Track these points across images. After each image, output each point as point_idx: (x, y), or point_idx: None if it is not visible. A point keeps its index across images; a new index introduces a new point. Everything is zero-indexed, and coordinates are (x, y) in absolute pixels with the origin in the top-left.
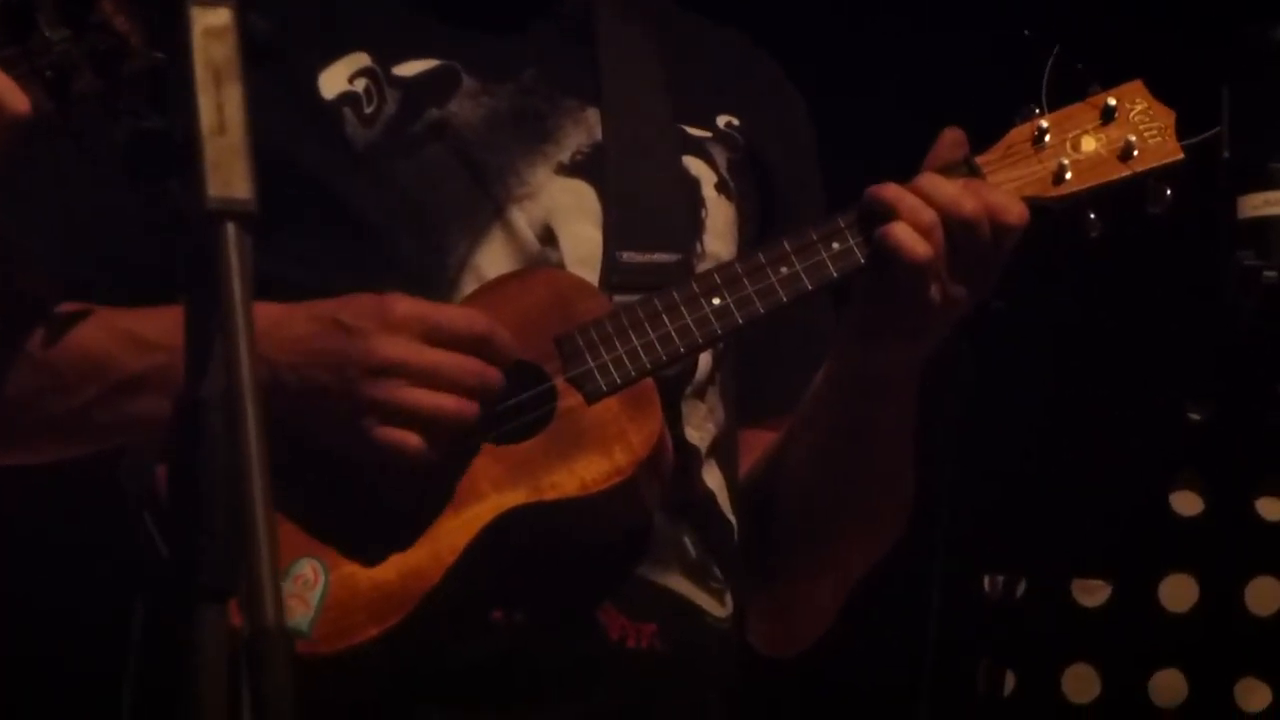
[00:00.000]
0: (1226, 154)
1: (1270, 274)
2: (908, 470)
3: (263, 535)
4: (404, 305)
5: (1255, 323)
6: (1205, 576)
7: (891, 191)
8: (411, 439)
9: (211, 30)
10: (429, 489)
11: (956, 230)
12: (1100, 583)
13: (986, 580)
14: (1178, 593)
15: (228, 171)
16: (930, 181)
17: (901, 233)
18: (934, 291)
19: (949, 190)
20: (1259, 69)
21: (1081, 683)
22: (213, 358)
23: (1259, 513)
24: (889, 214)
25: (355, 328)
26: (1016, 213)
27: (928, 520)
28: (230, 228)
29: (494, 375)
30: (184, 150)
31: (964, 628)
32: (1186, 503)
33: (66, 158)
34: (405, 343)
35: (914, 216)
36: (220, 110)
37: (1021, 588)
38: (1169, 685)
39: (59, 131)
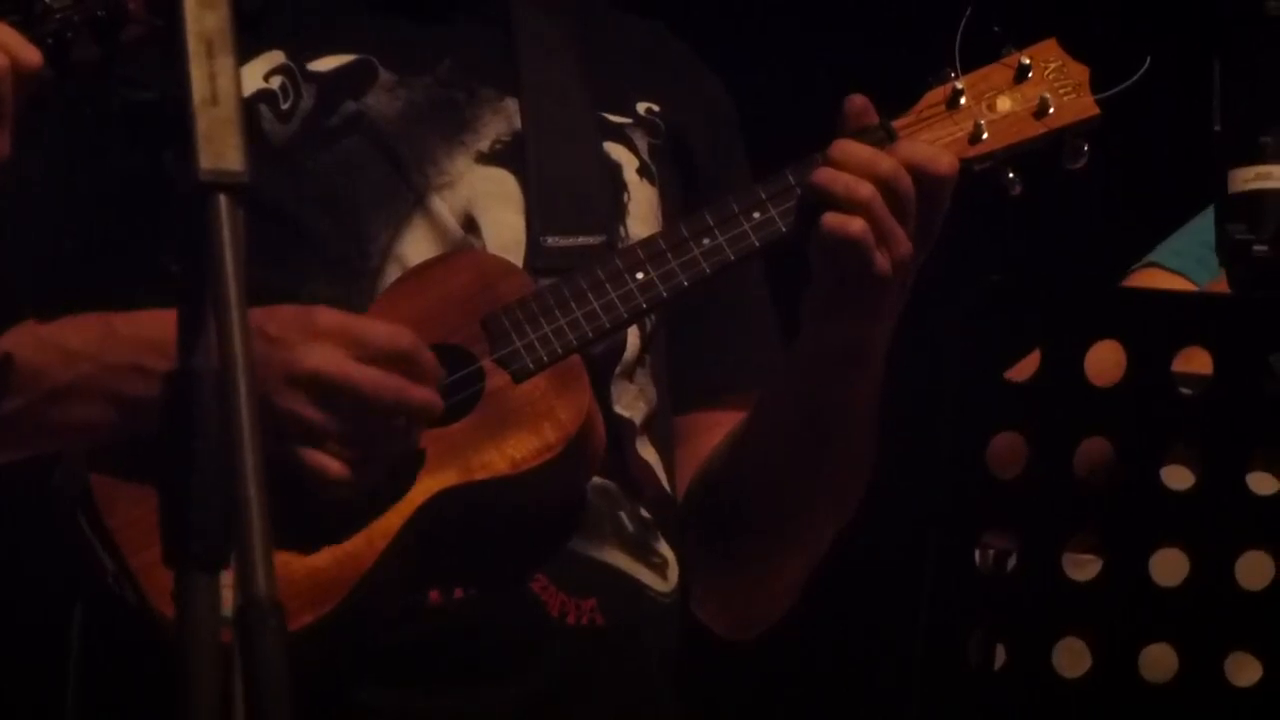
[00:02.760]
0: (1217, 127)
1: (1261, 248)
2: (874, 441)
3: (254, 506)
4: (327, 317)
5: (1246, 296)
6: (1196, 551)
7: (825, 175)
8: (334, 466)
9: (204, 0)
10: (357, 497)
11: (881, 192)
12: (1091, 557)
13: (978, 554)
14: (1169, 567)
15: (220, 143)
16: (841, 148)
17: (831, 221)
18: (880, 261)
19: (863, 154)
20: (1250, 41)
21: (1072, 656)
22: (204, 330)
23: (1251, 487)
24: (824, 197)
25: (278, 338)
26: (945, 163)
27: (920, 494)
28: (222, 199)
29: (417, 394)
30: (176, 122)
31: (955, 601)
32: (1178, 476)
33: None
34: (327, 354)
35: (850, 194)
36: (212, 81)
37: (1012, 561)
38: (1159, 659)
39: (52, 101)
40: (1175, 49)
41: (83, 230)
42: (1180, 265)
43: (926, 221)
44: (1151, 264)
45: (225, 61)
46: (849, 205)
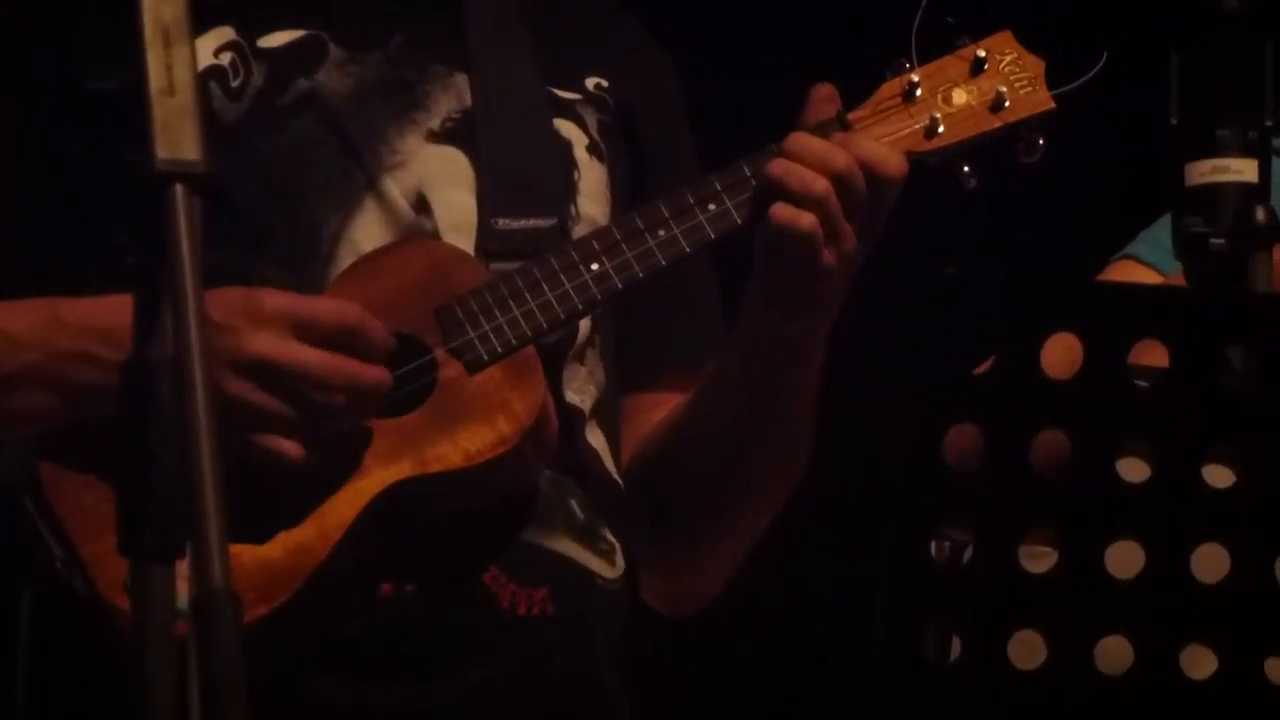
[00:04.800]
0: (1175, 121)
1: (1218, 241)
2: (812, 427)
3: (210, 495)
4: (272, 300)
5: (1203, 289)
6: (1152, 544)
7: (780, 167)
8: (288, 446)
9: None
10: (310, 476)
11: (834, 188)
12: (1047, 549)
13: (934, 546)
14: (1124, 560)
15: (176, 133)
16: (796, 141)
17: (782, 213)
18: (827, 257)
19: (817, 148)
20: (1208, 35)
21: (1027, 649)
22: (160, 320)
23: (1206, 480)
24: (777, 190)
25: (224, 324)
26: (895, 163)
27: (876, 487)
28: (179, 189)
29: (366, 374)
30: (134, 111)
31: (911, 594)
32: (1134, 470)
33: None
34: (273, 339)
35: (805, 189)
36: (169, 71)
37: (968, 554)
38: (1115, 652)
39: None
40: (1132, 43)
41: (38, 219)
42: (1153, 258)
43: (872, 219)
44: (1127, 256)
45: (182, 51)
46: (802, 199)
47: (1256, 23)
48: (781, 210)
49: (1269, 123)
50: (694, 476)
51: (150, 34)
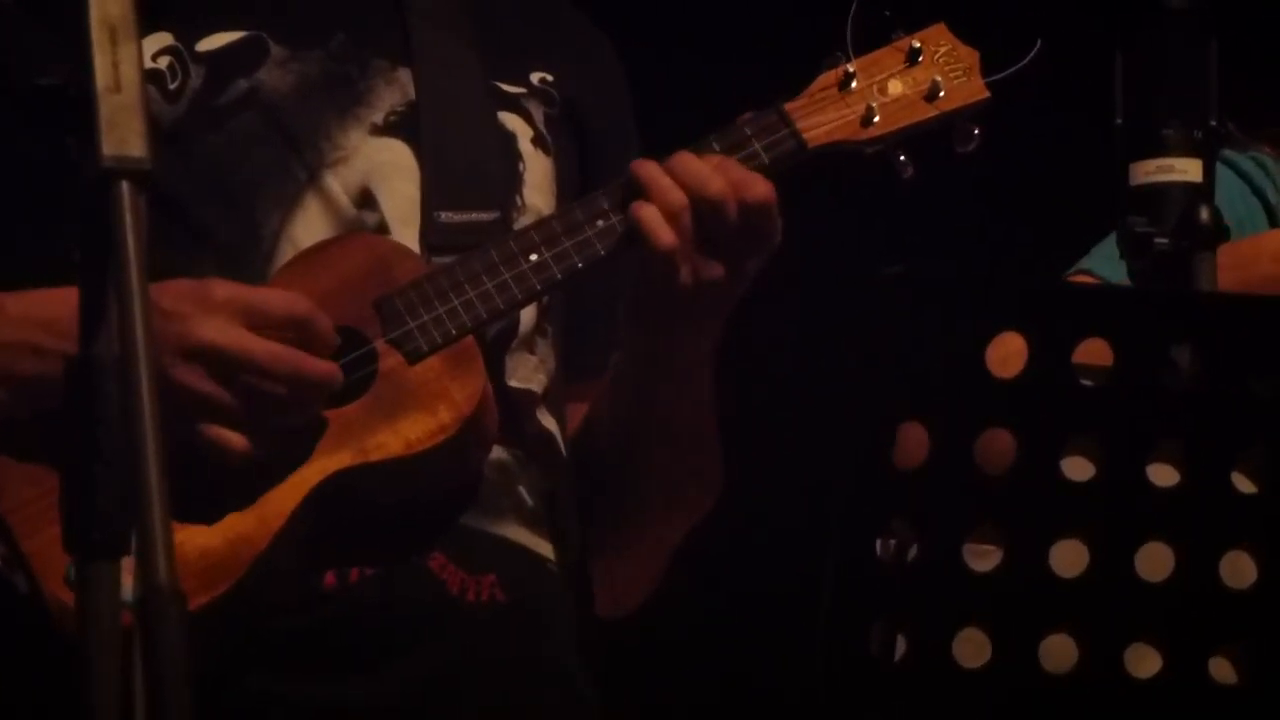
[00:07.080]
0: (1119, 120)
1: (1162, 240)
2: (710, 448)
3: (155, 494)
4: (223, 289)
5: (1148, 288)
6: (1096, 542)
7: (647, 171)
8: (234, 439)
9: None
10: (256, 466)
11: (704, 210)
12: (992, 548)
13: (879, 544)
14: (1069, 558)
15: (123, 130)
16: (680, 161)
17: (648, 216)
18: (684, 274)
19: (697, 169)
20: (1152, 35)
21: (972, 648)
22: (105, 317)
23: (1150, 479)
24: (644, 194)
25: (173, 312)
26: (760, 190)
27: (822, 485)
28: (125, 186)
29: (314, 366)
30: (80, 108)
31: (856, 592)
32: (1078, 468)
33: None
34: (222, 326)
35: (664, 199)
36: (116, 68)
37: (913, 552)
38: (1059, 650)
39: None
40: (1077, 42)
41: None
42: (1107, 271)
43: (746, 246)
44: (1083, 270)
45: (128, 49)
46: (665, 211)
47: (1201, 22)
48: (648, 214)
49: (1213, 122)
50: (591, 488)
51: (97, 32)
